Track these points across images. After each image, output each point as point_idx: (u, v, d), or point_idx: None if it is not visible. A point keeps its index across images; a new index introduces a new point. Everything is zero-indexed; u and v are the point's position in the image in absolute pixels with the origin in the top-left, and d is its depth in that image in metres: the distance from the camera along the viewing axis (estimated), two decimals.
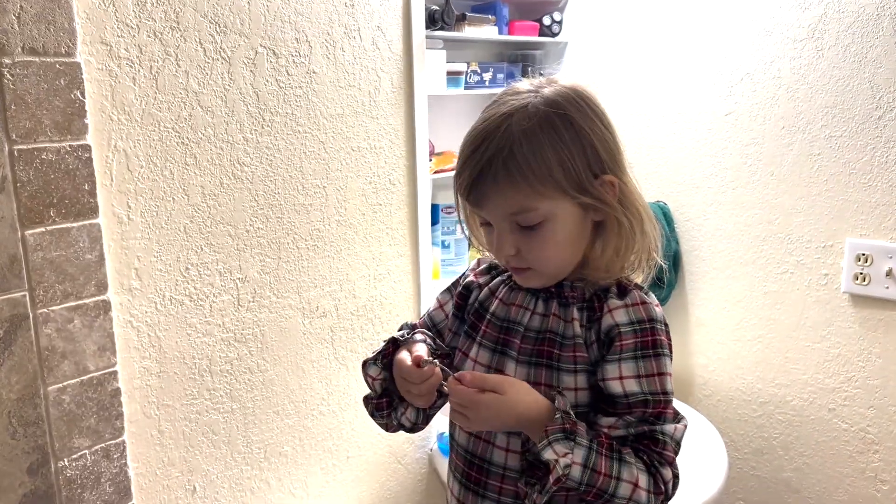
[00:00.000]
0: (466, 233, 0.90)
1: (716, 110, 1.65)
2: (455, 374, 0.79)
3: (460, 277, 0.98)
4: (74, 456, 1.08)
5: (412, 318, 1.58)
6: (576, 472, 0.74)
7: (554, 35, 1.80)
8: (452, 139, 1.75)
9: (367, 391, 0.91)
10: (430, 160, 1.62)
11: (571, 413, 0.78)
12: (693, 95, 1.69)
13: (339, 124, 1.38)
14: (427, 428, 1.01)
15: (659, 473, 0.77)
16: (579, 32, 1.83)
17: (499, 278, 0.92)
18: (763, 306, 1.63)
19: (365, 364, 0.89)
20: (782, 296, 1.60)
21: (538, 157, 0.77)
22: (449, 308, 0.96)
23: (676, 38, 1.71)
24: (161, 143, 1.15)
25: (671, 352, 0.82)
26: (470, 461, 0.87)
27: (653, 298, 0.83)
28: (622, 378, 0.80)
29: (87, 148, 1.06)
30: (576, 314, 0.83)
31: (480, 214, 0.84)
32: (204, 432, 1.25)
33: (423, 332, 0.90)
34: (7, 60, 0.97)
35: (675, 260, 1.74)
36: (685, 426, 0.82)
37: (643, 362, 0.80)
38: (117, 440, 1.12)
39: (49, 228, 1.03)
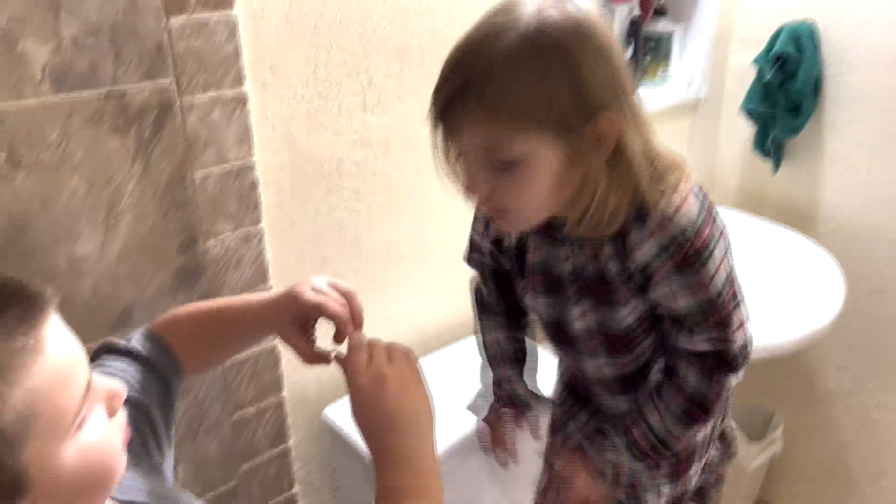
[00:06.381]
0: (441, 165, 0.83)
1: None
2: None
3: (477, 235, 1.01)
4: (219, 238, 1.17)
5: None
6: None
7: None
8: None
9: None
10: None
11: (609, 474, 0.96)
12: None
13: None
14: None
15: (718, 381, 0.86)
16: None
17: None
18: None
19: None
20: None
21: (519, 88, 0.68)
22: (486, 246, 0.99)
23: None
24: None
25: (719, 232, 0.79)
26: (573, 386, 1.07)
27: (679, 195, 0.76)
28: (675, 296, 0.80)
29: None
30: (608, 250, 0.80)
31: (454, 144, 0.77)
32: (332, 228, 1.33)
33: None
34: None
35: (815, 85, 1.62)
36: (749, 333, 0.86)
37: (688, 278, 0.78)
38: (256, 227, 1.21)
39: (191, 17, 1.05)
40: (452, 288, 1.55)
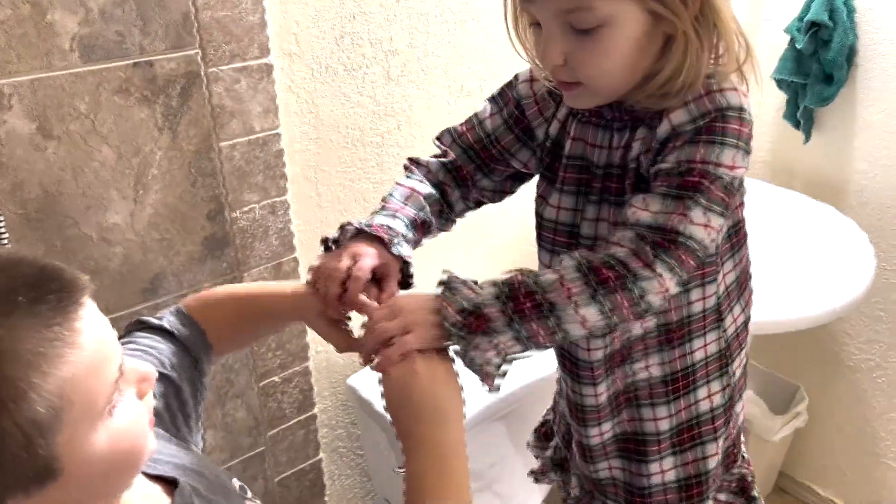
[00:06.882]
0: (511, 35, 0.78)
1: None
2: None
3: (509, 90, 0.87)
4: (245, 208, 1.18)
5: None
6: (515, 351, 0.67)
7: None
8: None
9: None
10: None
11: (462, 301, 0.68)
12: None
13: None
14: None
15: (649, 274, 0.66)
16: None
17: (564, 108, 0.81)
18: None
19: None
20: None
21: None
22: (497, 123, 0.87)
23: None
24: None
25: (746, 144, 0.70)
26: None
27: (737, 81, 0.71)
28: (666, 160, 0.70)
29: None
30: (641, 132, 0.74)
31: (529, 10, 0.72)
32: (356, 198, 1.33)
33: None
34: None
35: (849, 54, 1.58)
36: (717, 231, 0.69)
37: (694, 147, 0.69)
38: (282, 198, 1.22)
39: None
40: (478, 260, 1.56)
